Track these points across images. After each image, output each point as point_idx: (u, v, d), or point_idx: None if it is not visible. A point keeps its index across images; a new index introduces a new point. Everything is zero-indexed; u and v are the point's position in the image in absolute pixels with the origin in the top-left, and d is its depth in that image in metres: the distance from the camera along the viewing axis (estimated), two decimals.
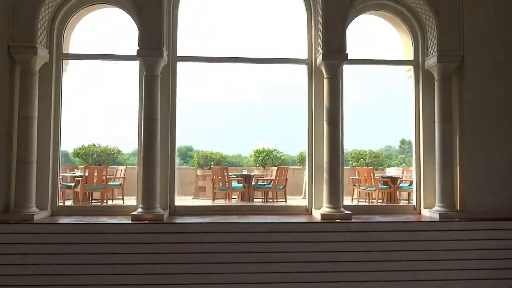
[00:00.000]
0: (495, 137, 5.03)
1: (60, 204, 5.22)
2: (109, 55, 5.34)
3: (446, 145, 5.03)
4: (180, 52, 5.31)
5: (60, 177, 5.47)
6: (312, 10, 5.37)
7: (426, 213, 5.22)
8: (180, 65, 5.32)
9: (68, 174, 9.35)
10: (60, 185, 5.37)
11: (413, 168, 5.50)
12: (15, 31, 4.70)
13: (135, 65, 5.21)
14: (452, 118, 5.10)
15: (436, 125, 5.15)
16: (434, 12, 5.10)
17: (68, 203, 8.63)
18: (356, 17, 5.33)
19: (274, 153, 14.33)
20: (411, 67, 5.57)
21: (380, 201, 9.04)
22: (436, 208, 5.05)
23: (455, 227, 4.71)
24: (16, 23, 4.70)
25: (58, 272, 4.34)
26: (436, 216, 4.92)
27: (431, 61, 5.20)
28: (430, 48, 5.28)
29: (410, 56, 5.58)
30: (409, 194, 8.97)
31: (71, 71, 5.44)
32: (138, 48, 4.82)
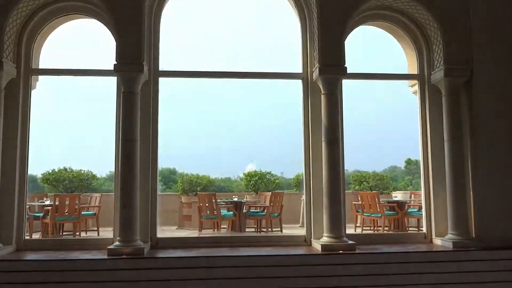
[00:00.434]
0: (509, 153, 5.07)
1: (26, 237, 5.12)
2: (84, 70, 5.33)
3: (457, 165, 5.06)
4: (162, 66, 5.33)
5: (27, 206, 5.37)
6: (307, 21, 5.44)
7: (438, 242, 5.20)
8: (162, 81, 5.33)
9: (36, 203, 9.20)
10: (27, 216, 5.27)
11: (422, 192, 5.51)
12: None
13: (112, 81, 5.20)
14: (462, 135, 5.15)
15: (445, 143, 5.19)
16: (438, 22, 5.20)
17: (36, 236, 8.47)
18: (355, 28, 5.42)
19: (268, 177, 14.26)
20: (416, 81, 5.65)
21: (387, 228, 8.99)
22: (449, 236, 5.04)
23: (471, 257, 4.68)
24: None
25: None
26: (449, 245, 4.90)
27: (438, 75, 5.27)
28: (436, 61, 5.36)
29: (414, 70, 5.66)
30: (418, 221, 8.93)
31: (41, 88, 5.42)
32: (116, 62, 4.83)
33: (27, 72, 5.14)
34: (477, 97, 5.14)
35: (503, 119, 5.12)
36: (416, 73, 5.63)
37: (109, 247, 4.63)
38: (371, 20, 5.56)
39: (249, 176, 14.27)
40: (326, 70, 5.04)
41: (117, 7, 4.88)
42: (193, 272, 4.43)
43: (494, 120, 5.11)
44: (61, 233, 8.72)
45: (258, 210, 10.07)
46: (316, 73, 5.15)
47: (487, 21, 5.23)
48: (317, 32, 5.11)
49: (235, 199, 10.11)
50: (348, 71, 5.07)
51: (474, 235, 5.02)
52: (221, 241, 5.36)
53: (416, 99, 5.66)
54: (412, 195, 11.20)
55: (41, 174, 13.29)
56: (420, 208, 8.65)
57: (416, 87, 5.65)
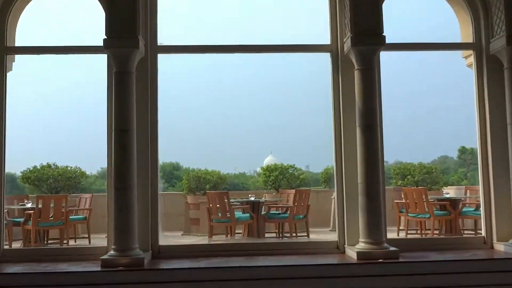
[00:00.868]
0: None
1: (5, 247, 5.23)
2: (68, 47, 5.39)
3: None
4: (161, 41, 5.35)
5: (5, 210, 5.47)
6: None
7: (500, 248, 5.16)
8: (161, 58, 5.35)
9: (16, 207, 9.36)
10: (5, 222, 5.38)
11: (480, 187, 5.47)
12: None
13: (103, 59, 5.25)
14: None
15: (509, 127, 5.13)
16: None
17: (17, 245, 8.64)
18: None
19: (290, 171, 14.25)
20: (471, 51, 5.58)
21: (437, 232, 8.94)
22: None
23: None
24: None
25: None
26: None
27: (498, 43, 5.20)
28: (496, 27, 5.28)
29: (469, 38, 5.59)
30: (475, 222, 8.86)
31: (18, 70, 5.49)
32: (106, 37, 4.86)
33: (1, 51, 5.21)
34: None
35: None
36: (472, 41, 5.55)
37: (102, 257, 4.70)
38: None
39: (268, 170, 14.26)
40: (361, 40, 4.99)
41: None
42: (203, 286, 4.47)
43: None
44: (46, 242, 8.88)
45: (279, 212, 10.09)
46: (348, 44, 5.11)
47: None
48: None
49: (252, 199, 10.14)
50: (387, 40, 5.03)
51: None
52: (236, 249, 5.41)
53: (472, 73, 5.58)
54: (468, 191, 11.09)
55: (21, 172, 13.50)
56: (477, 207, 8.56)
57: (472, 59, 5.57)
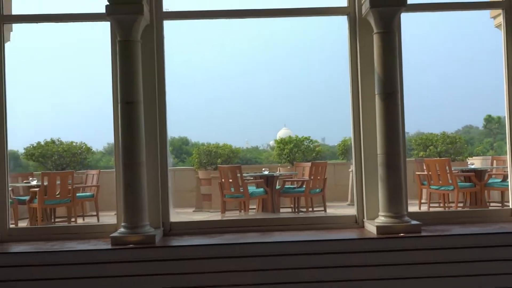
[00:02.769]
0: None
1: (11, 226, 5.31)
2: (68, 14, 5.36)
3: None
4: (167, 6, 5.32)
5: (10, 188, 5.54)
6: None
7: None
8: (167, 24, 5.32)
9: (20, 184, 9.49)
10: (10, 200, 5.45)
11: (508, 157, 5.42)
12: None
13: (105, 27, 5.23)
14: None
15: None
16: None
17: (23, 224, 8.78)
18: None
19: (306, 143, 14.23)
20: (500, 11, 5.48)
21: (461, 205, 8.93)
22: None
23: None
24: None
25: None
26: None
27: None
28: None
29: None
30: (502, 194, 8.84)
31: (17, 41, 5.48)
32: (108, 3, 4.83)
33: None
34: None
35: None
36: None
37: (112, 235, 4.76)
38: None
39: (282, 143, 14.26)
40: (380, 1, 4.91)
41: None
42: (216, 264, 4.53)
43: None
44: (52, 220, 9.02)
45: (294, 186, 10.13)
46: (366, 6, 5.04)
47: None
48: None
49: (266, 173, 10.17)
50: (409, 1, 4.95)
51: None
52: (250, 225, 5.45)
53: (501, 34, 5.48)
54: (494, 162, 11.04)
55: (24, 149, 13.63)
56: (504, 178, 8.52)
57: (501, 19, 5.47)
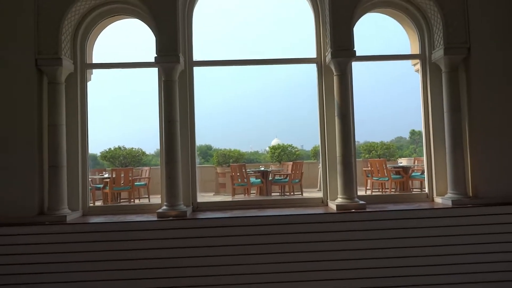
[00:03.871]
0: (503, 124, 4.89)
1: (90, 204, 5.30)
2: (130, 63, 5.36)
3: (456, 133, 4.92)
4: (195, 57, 5.32)
5: (89, 179, 5.54)
6: (320, 11, 5.31)
7: (439, 200, 5.12)
8: (196, 70, 5.32)
9: (97, 177, 9.50)
10: (89, 187, 5.45)
11: (424, 158, 5.39)
12: (41, 45, 4.77)
13: (154, 71, 5.23)
14: (461, 107, 4.98)
15: (445, 114, 5.04)
16: (439, 6, 4.98)
17: (98, 203, 8.78)
18: (362, 15, 5.25)
19: (289, 149, 14.26)
20: (418, 60, 5.46)
21: (394, 190, 8.92)
22: (449, 195, 4.95)
23: (468, 213, 4.59)
24: (42, 37, 4.78)
25: (90, 268, 4.41)
26: (449, 203, 4.82)
27: (438, 54, 5.09)
28: (436, 42, 5.16)
29: (416, 50, 5.47)
30: (421, 183, 8.84)
31: (96, 80, 5.50)
32: (156, 55, 4.85)
33: (83, 66, 5.22)
34: (474, 72, 4.94)
35: (497, 91, 4.92)
36: (418, 53, 5.44)
37: (158, 210, 4.76)
38: (377, 7, 5.37)
39: (274, 149, 14.30)
40: (338, 54, 4.92)
41: (155, 7, 4.87)
42: (228, 230, 4.52)
43: (489, 92, 4.92)
44: (118, 201, 9.03)
45: (281, 178, 10.14)
46: (328, 57, 5.05)
47: (485, 1, 4.98)
48: (329, 21, 4.98)
49: (262, 169, 10.19)
50: (357, 54, 4.94)
51: (471, 194, 4.92)
52: (251, 204, 5.42)
53: (419, 76, 5.49)
54: (416, 161, 11.05)
55: (100, 153, 13.67)
56: (422, 172, 8.54)
57: (419, 66, 5.47)
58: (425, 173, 5.39)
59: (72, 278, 4.40)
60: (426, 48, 5.35)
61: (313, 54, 5.38)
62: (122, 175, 8.64)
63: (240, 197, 9.47)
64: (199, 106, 5.42)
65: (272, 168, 11.33)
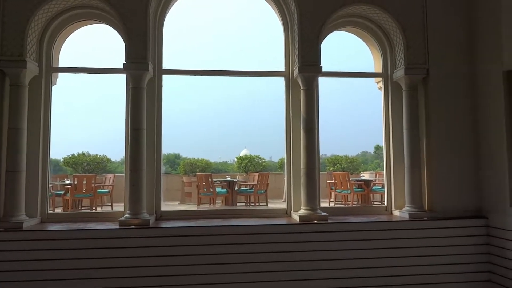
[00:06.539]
0: (458, 143, 5.15)
1: (49, 211, 5.10)
2: (97, 68, 5.26)
3: (414, 150, 5.14)
4: (165, 65, 5.29)
5: (50, 185, 5.35)
6: (289, 27, 5.44)
7: (397, 213, 5.30)
8: (165, 78, 5.28)
9: (58, 183, 9.17)
10: (49, 193, 5.26)
11: (384, 172, 5.57)
12: (5, 46, 4.61)
13: (122, 78, 5.16)
14: (419, 125, 5.21)
15: (404, 131, 5.25)
16: (401, 28, 5.22)
17: (58, 210, 8.45)
18: (330, 33, 5.42)
19: (256, 160, 14.32)
20: (380, 78, 5.68)
21: (355, 203, 9.12)
22: (406, 208, 5.14)
23: (423, 226, 4.79)
24: (6, 38, 4.62)
25: (47, 277, 4.23)
26: (406, 216, 5.00)
27: (399, 73, 5.32)
28: (398, 62, 5.40)
29: (380, 69, 5.69)
30: (381, 196, 9.09)
31: (61, 84, 5.35)
32: (125, 62, 4.79)
33: (48, 70, 5.08)
34: (432, 91, 5.19)
35: (453, 112, 5.18)
36: (381, 71, 5.66)
37: (120, 218, 4.65)
38: (344, 26, 5.57)
39: (241, 159, 14.32)
40: (305, 69, 5.05)
41: (126, 14, 4.83)
42: (192, 239, 4.48)
43: (446, 111, 5.17)
44: (79, 208, 8.73)
45: (247, 188, 10.15)
46: (296, 72, 5.16)
47: (443, 25, 5.26)
48: (297, 37, 5.11)
49: (228, 179, 10.16)
50: (324, 70, 5.08)
51: (427, 208, 5.12)
52: (216, 214, 5.39)
53: (381, 93, 5.70)
54: (377, 175, 11.35)
55: (62, 158, 13.20)
56: (383, 186, 8.79)
57: (381, 84, 5.69)
58: (385, 187, 5.56)
59: (29, 287, 4.20)
60: (389, 67, 5.58)
61: (282, 68, 5.48)
62: (85, 181, 8.38)
63: (205, 207, 9.39)
64: (168, 114, 5.38)
65: (239, 179, 11.33)
